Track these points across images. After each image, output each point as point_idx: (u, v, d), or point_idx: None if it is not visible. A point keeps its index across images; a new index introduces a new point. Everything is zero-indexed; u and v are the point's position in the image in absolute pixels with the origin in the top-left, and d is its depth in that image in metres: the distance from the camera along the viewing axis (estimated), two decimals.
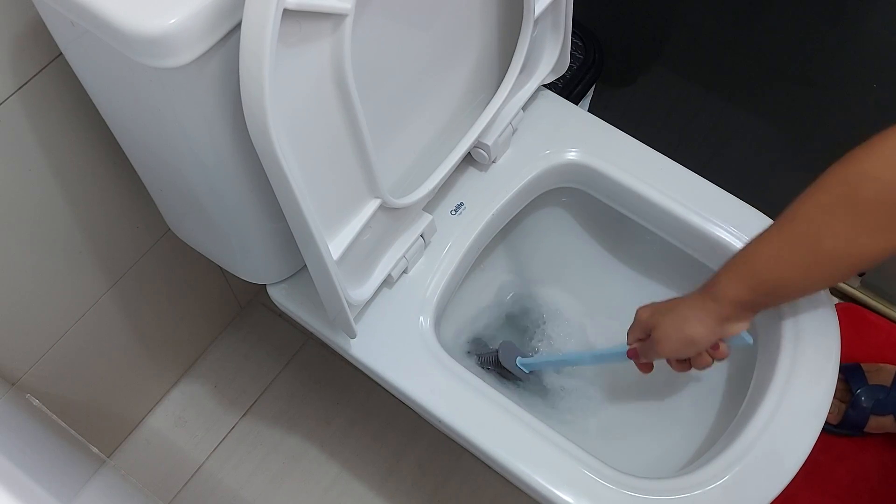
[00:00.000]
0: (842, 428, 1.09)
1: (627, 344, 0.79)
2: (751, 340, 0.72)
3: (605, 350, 0.85)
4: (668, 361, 0.76)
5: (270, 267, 0.80)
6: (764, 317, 0.81)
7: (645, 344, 0.76)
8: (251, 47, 0.48)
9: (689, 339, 0.71)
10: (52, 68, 0.71)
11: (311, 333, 0.82)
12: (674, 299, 0.73)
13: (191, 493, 1.15)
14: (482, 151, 0.85)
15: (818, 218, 0.62)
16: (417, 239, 0.79)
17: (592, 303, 1.00)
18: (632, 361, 0.80)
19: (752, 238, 0.68)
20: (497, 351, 0.93)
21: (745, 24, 1.24)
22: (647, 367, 0.80)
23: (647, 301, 0.97)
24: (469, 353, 0.96)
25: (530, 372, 0.93)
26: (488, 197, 0.86)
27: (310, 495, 1.14)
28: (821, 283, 0.68)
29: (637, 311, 0.77)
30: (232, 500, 1.14)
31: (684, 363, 0.75)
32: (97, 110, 0.69)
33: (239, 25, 0.50)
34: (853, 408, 1.08)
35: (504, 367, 0.92)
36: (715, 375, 0.89)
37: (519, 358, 0.93)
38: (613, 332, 0.98)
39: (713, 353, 0.73)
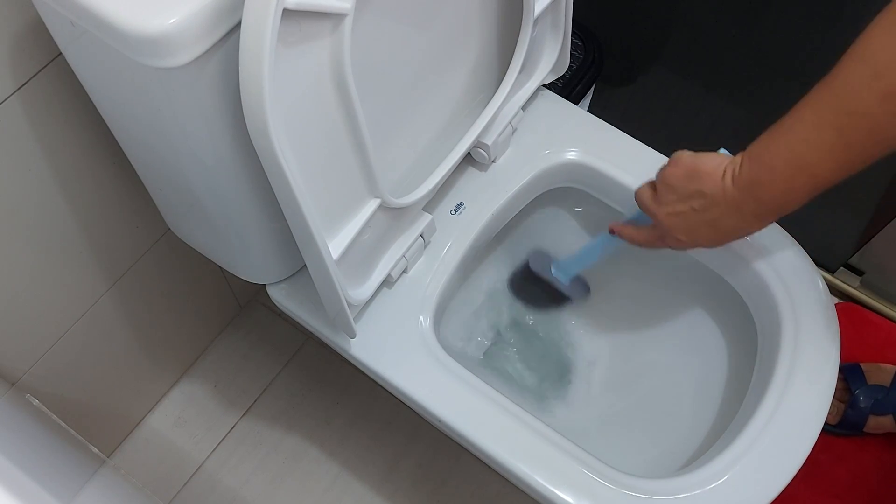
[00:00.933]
0: (841, 428, 1.09)
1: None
2: None
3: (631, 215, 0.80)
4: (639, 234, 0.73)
5: (270, 267, 0.80)
6: (764, 316, 0.81)
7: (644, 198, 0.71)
8: (251, 47, 0.48)
9: (713, 220, 0.65)
10: (52, 68, 0.71)
11: (311, 333, 0.82)
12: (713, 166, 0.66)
13: (191, 493, 1.15)
14: (482, 151, 0.85)
15: (878, 109, 0.54)
16: (417, 239, 0.79)
17: (592, 302, 1.00)
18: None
19: (784, 123, 0.61)
20: (527, 262, 0.91)
21: (745, 24, 1.24)
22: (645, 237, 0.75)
23: (646, 302, 0.97)
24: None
25: (572, 280, 0.92)
26: (488, 197, 0.86)
27: (310, 495, 1.14)
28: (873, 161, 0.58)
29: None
30: (232, 500, 1.14)
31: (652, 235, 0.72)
32: (97, 110, 0.69)
33: (239, 25, 0.50)
34: (852, 408, 1.08)
35: (538, 280, 0.91)
36: (715, 375, 0.89)
37: (553, 264, 0.91)
38: (613, 332, 0.98)
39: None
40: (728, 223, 0.65)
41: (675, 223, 0.68)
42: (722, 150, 0.67)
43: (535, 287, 0.94)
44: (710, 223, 0.66)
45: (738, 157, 0.64)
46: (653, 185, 0.72)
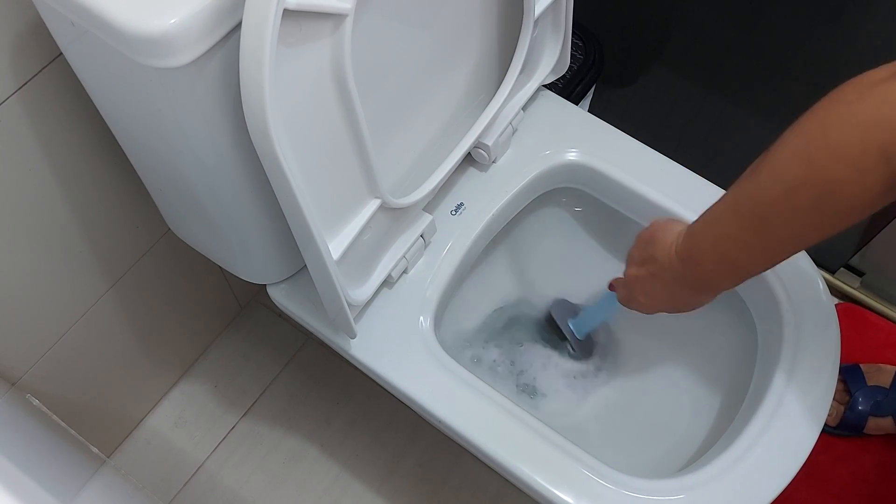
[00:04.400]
0: (841, 429, 1.09)
1: None
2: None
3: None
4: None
5: (270, 267, 0.80)
6: (764, 316, 0.81)
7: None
8: (251, 47, 0.48)
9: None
10: (52, 68, 0.71)
11: (311, 333, 0.82)
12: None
13: (191, 493, 1.15)
14: (482, 151, 0.85)
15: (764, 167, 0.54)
16: (417, 239, 0.79)
17: (592, 302, 1.00)
18: None
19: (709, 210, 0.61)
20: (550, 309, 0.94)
21: (745, 24, 1.24)
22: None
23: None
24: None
25: (584, 337, 0.94)
26: (488, 197, 0.85)
27: (310, 495, 1.14)
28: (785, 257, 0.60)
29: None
30: (232, 500, 1.14)
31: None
32: (97, 110, 0.69)
33: (239, 25, 0.50)
34: (851, 410, 1.08)
35: (554, 326, 0.94)
36: (715, 375, 0.89)
37: (570, 321, 0.93)
38: (614, 333, 0.98)
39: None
40: (676, 291, 0.67)
41: (635, 284, 0.71)
42: None
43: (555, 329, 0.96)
44: (664, 288, 0.68)
45: (683, 230, 0.65)
46: None
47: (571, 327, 0.93)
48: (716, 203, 0.60)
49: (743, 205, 0.56)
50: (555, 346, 0.98)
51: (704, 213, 0.61)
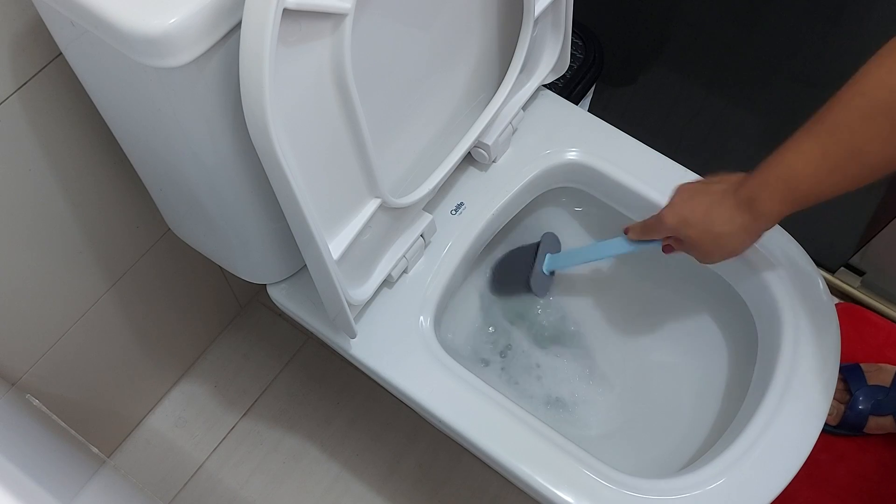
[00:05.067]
0: (841, 429, 1.09)
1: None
2: None
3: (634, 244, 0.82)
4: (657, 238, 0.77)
5: (270, 267, 0.80)
6: (764, 316, 0.81)
7: (651, 218, 0.76)
8: (251, 47, 0.48)
9: (716, 237, 0.70)
10: (52, 68, 0.70)
11: (311, 333, 0.82)
12: (716, 189, 0.70)
13: (191, 493, 1.15)
14: (482, 151, 0.85)
15: (859, 127, 0.58)
16: (417, 239, 0.79)
17: (592, 302, 1.00)
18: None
19: (785, 144, 0.64)
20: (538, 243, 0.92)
21: (745, 24, 1.24)
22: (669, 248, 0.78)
23: (646, 302, 0.97)
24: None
25: (545, 275, 0.92)
26: (488, 197, 0.85)
27: (310, 495, 1.14)
28: (858, 186, 0.63)
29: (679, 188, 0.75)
30: (232, 500, 1.14)
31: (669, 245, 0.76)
32: (97, 110, 0.69)
33: (239, 25, 0.50)
34: (851, 409, 1.08)
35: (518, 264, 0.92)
36: (716, 375, 0.89)
37: (548, 258, 0.91)
38: (614, 333, 0.98)
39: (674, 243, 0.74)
40: (737, 220, 0.68)
41: (688, 213, 0.72)
42: None
43: (512, 270, 0.94)
44: (723, 220, 0.69)
45: (749, 202, 0.67)
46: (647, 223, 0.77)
47: (545, 259, 0.91)
48: (794, 138, 0.63)
49: (813, 124, 0.60)
50: (546, 347, 0.98)
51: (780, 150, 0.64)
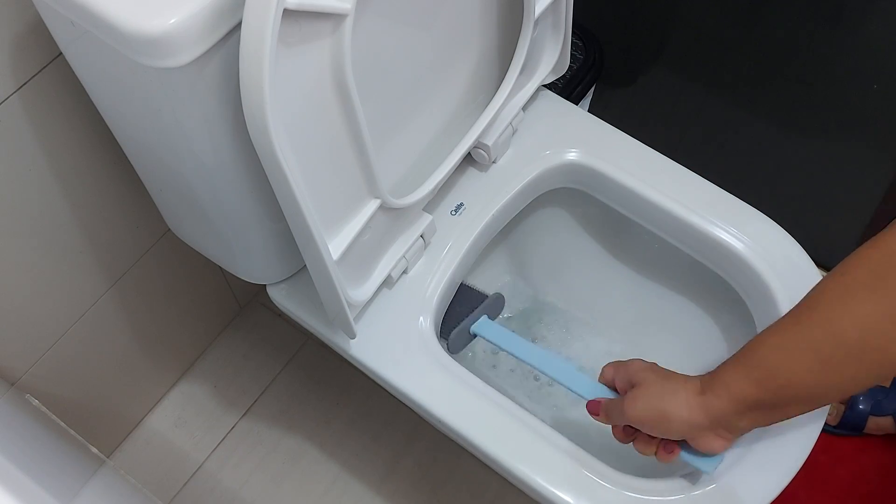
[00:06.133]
0: (841, 429, 1.09)
1: (601, 379, 0.71)
2: (711, 470, 0.65)
3: (571, 376, 0.74)
4: (614, 427, 0.68)
5: (270, 267, 0.80)
6: (764, 317, 0.81)
7: (613, 401, 0.68)
8: (251, 47, 0.48)
9: (665, 416, 0.61)
10: (52, 68, 0.71)
11: (311, 333, 0.82)
12: (674, 373, 0.65)
13: (191, 493, 1.15)
14: (482, 152, 0.85)
15: (838, 301, 0.53)
16: (417, 239, 0.79)
17: (592, 303, 1.00)
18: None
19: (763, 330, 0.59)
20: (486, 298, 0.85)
21: (745, 24, 1.24)
22: (620, 434, 0.68)
23: (644, 303, 0.97)
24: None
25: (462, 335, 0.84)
26: (488, 197, 0.85)
27: (310, 495, 1.14)
28: (843, 382, 0.55)
29: (633, 360, 0.69)
30: (232, 500, 1.14)
31: (627, 433, 0.67)
32: (97, 110, 0.69)
33: (239, 25, 0.50)
34: (851, 409, 1.08)
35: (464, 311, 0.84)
36: None
37: (483, 319, 0.83)
38: (612, 333, 0.98)
39: (663, 449, 0.64)
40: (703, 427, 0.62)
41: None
42: None
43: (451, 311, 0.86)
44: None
45: (709, 380, 0.61)
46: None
47: (478, 322, 0.84)
48: (765, 340, 0.58)
49: (824, 346, 0.55)
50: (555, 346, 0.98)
51: (753, 352, 0.59)
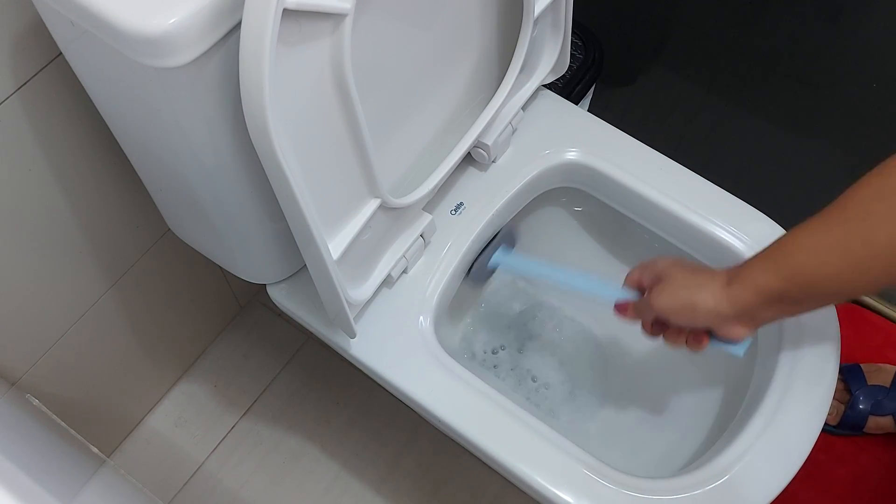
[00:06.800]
0: (841, 428, 1.09)
1: (626, 283, 0.73)
2: (742, 353, 0.66)
3: (597, 285, 0.77)
4: (644, 322, 0.71)
5: (270, 267, 0.80)
6: None
7: (642, 300, 0.69)
8: (251, 47, 0.48)
9: (691, 306, 0.63)
10: (52, 68, 0.71)
11: (311, 333, 0.82)
12: (700, 266, 0.66)
13: (191, 493, 1.15)
14: (482, 151, 0.85)
15: (873, 204, 0.54)
16: (417, 239, 0.79)
17: (589, 303, 1.00)
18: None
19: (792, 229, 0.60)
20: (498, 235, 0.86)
21: (745, 24, 1.24)
22: (649, 329, 0.71)
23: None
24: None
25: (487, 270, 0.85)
26: (488, 197, 0.85)
27: (310, 495, 1.14)
28: (867, 283, 0.57)
29: (659, 257, 0.70)
30: (232, 500, 1.14)
31: (657, 327, 0.69)
32: (97, 110, 0.69)
33: (239, 25, 0.50)
34: (851, 409, 1.08)
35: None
36: (715, 375, 0.89)
37: (502, 250, 0.85)
38: (612, 332, 0.99)
39: (693, 339, 0.67)
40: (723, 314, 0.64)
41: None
42: None
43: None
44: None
45: (735, 272, 0.63)
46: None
47: (497, 254, 0.85)
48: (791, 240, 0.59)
49: (852, 246, 0.55)
50: (543, 347, 0.98)
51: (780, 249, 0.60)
